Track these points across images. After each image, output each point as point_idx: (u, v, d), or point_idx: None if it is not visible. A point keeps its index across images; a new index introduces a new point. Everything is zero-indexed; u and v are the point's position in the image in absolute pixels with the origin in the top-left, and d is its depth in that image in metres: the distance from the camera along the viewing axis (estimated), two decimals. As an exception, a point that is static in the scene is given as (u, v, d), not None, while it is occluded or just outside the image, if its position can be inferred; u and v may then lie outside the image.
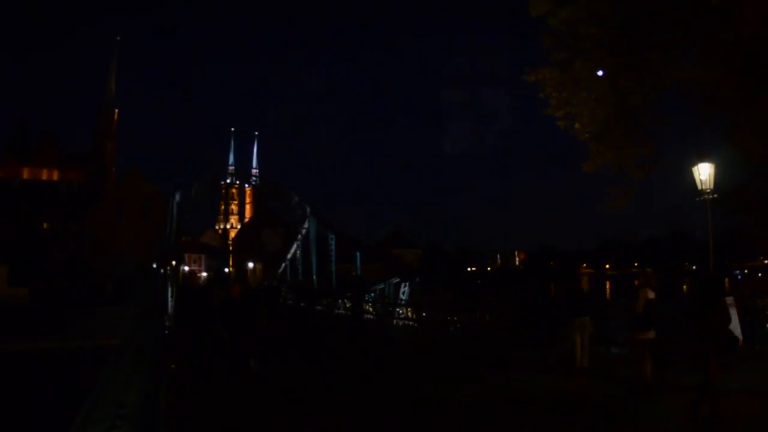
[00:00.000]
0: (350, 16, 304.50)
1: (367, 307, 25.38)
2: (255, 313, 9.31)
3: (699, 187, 11.42)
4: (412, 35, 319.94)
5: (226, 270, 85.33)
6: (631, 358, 9.01)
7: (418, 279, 48.84)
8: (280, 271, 60.55)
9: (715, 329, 7.01)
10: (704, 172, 11.38)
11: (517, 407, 8.05)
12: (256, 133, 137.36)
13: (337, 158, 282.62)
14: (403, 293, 41.83)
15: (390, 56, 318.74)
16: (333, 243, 52.51)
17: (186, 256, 76.75)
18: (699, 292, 7.66)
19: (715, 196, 11.39)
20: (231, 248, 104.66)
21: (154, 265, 43.43)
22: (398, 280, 45.36)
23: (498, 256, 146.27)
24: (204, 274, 74.80)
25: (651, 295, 8.42)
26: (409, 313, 21.74)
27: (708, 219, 11.34)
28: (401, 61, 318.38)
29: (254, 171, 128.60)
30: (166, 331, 12.76)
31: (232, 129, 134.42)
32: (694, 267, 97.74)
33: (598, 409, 7.91)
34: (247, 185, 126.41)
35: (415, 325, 20.14)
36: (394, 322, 21.58)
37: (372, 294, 34.69)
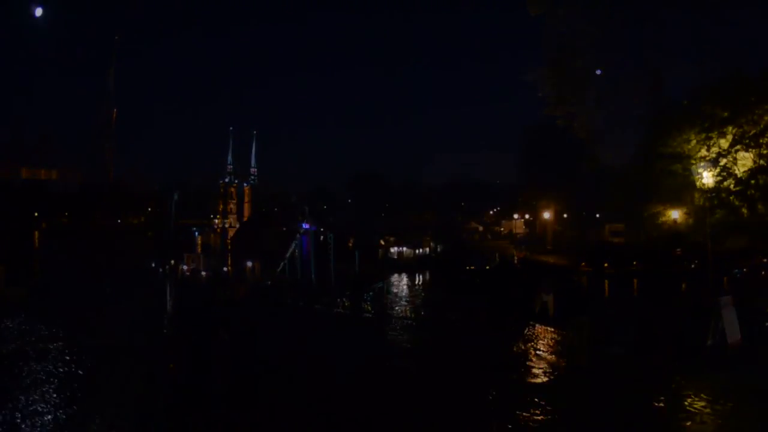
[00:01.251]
0: (349, 16, 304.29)
1: (366, 305, 25.37)
2: (260, 316, 9.18)
3: (699, 187, 11.43)
4: (411, 35, 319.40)
5: (225, 269, 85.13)
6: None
7: (417, 277, 48.77)
8: (278, 270, 60.41)
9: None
10: (704, 173, 11.40)
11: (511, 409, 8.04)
12: (255, 132, 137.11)
13: (336, 157, 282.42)
14: (402, 292, 41.77)
15: (386, 56, 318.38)
16: (332, 242, 52.42)
17: (184, 255, 76.64)
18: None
19: (714, 195, 11.40)
20: (229, 247, 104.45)
21: (153, 265, 43.43)
22: (397, 278, 45.33)
23: (496, 254, 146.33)
24: (203, 273, 74.67)
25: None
26: (408, 312, 21.72)
27: (707, 219, 11.34)
28: (396, 60, 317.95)
29: (253, 170, 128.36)
30: (165, 331, 12.75)
31: (231, 128, 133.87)
32: (692, 266, 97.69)
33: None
34: (245, 184, 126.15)
35: (414, 324, 20.12)
36: (393, 321, 21.53)
37: (371, 293, 34.70)
